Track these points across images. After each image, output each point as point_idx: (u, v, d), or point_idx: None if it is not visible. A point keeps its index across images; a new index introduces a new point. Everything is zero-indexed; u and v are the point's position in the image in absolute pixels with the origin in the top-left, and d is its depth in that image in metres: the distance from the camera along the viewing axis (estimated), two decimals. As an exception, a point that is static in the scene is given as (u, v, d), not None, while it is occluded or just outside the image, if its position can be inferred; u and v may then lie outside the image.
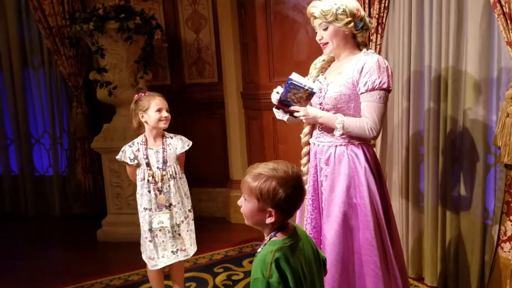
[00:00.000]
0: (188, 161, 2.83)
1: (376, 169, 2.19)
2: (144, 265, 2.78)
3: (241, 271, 3.30)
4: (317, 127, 2.25)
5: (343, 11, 2.06)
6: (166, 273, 2.84)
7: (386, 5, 2.90)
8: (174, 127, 2.70)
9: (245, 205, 1.47)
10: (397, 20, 2.91)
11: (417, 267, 3.00)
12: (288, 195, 1.40)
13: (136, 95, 2.71)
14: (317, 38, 2.17)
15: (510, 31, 2.30)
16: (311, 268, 1.50)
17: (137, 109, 2.64)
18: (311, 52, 3.55)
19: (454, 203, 2.78)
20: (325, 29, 2.11)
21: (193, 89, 4.47)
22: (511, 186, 2.45)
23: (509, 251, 2.49)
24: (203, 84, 4.46)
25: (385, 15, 2.92)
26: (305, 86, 2.07)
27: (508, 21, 2.29)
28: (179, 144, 2.71)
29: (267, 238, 1.48)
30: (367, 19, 2.16)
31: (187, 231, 2.70)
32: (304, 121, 2.19)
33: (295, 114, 2.15)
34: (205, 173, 4.45)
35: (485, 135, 2.62)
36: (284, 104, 2.17)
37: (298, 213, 2.35)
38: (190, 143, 2.74)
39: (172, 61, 4.49)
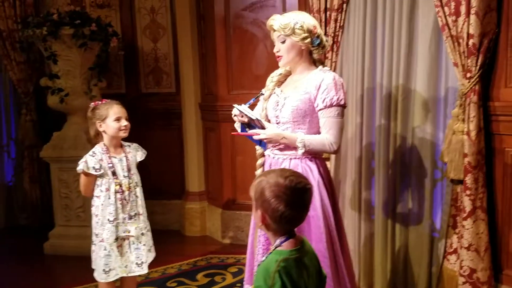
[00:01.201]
0: (143, 172, 2.78)
1: (329, 182, 2.25)
2: (94, 278, 2.68)
3: (195, 285, 3.24)
4: None
5: (301, 26, 2.14)
6: None
7: (342, 24, 3.00)
8: (129, 137, 2.64)
9: None
10: (352, 39, 3.01)
11: (368, 278, 3.06)
12: (275, 201, 1.41)
13: (93, 103, 2.62)
14: (275, 50, 2.24)
15: (457, 52, 2.43)
16: (311, 285, 1.49)
17: (94, 118, 2.55)
18: (269, 66, 3.58)
19: (403, 216, 2.87)
20: (283, 42, 2.19)
21: (149, 98, 4.41)
22: (457, 200, 2.56)
23: (454, 263, 2.59)
24: (160, 94, 4.42)
25: (340, 34, 3.02)
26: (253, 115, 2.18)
27: (455, 43, 2.43)
28: (138, 152, 2.68)
29: (272, 247, 1.48)
30: (324, 37, 2.24)
31: (144, 244, 2.62)
32: (265, 140, 2.19)
33: (255, 137, 2.18)
34: (160, 184, 4.37)
35: (432, 151, 2.74)
36: (246, 127, 2.24)
37: (251, 230, 2.36)
38: (145, 152, 2.72)
39: (128, 69, 4.42)
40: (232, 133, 2.30)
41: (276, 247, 1.47)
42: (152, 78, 4.42)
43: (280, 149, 2.23)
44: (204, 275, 3.39)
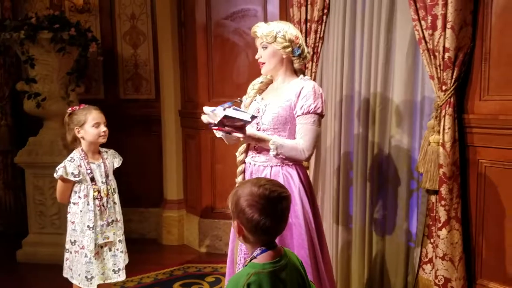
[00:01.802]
0: (120, 179, 2.75)
1: (309, 189, 2.28)
2: (68, 287, 2.62)
3: (171, 294, 3.21)
4: (253, 147, 2.29)
5: (283, 35, 2.19)
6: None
7: (321, 35, 3.04)
8: (108, 143, 2.61)
9: None
10: (331, 50, 3.05)
11: (345, 286, 3.07)
12: (249, 210, 1.38)
13: (70, 108, 2.59)
14: (257, 56, 2.28)
15: (433, 65, 2.49)
16: None
17: (71, 123, 2.52)
18: (251, 75, 3.60)
19: (380, 226, 2.90)
20: (265, 48, 2.23)
21: (128, 104, 4.37)
22: (432, 210, 2.60)
23: (430, 272, 2.63)
24: (140, 100, 4.38)
25: (320, 45, 3.06)
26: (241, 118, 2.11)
27: (432, 57, 2.48)
28: (116, 158, 2.67)
29: (248, 259, 1.44)
30: (306, 48, 2.29)
31: (122, 251, 2.60)
32: (241, 139, 2.22)
33: (234, 134, 2.17)
34: (138, 192, 4.31)
35: (408, 161, 2.78)
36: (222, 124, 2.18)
37: (231, 238, 2.35)
38: (122, 158, 2.71)
39: (107, 75, 4.38)
40: (213, 128, 2.23)
41: (251, 259, 1.43)
42: (131, 84, 4.39)
43: (259, 152, 2.23)
44: (180, 285, 3.35)
